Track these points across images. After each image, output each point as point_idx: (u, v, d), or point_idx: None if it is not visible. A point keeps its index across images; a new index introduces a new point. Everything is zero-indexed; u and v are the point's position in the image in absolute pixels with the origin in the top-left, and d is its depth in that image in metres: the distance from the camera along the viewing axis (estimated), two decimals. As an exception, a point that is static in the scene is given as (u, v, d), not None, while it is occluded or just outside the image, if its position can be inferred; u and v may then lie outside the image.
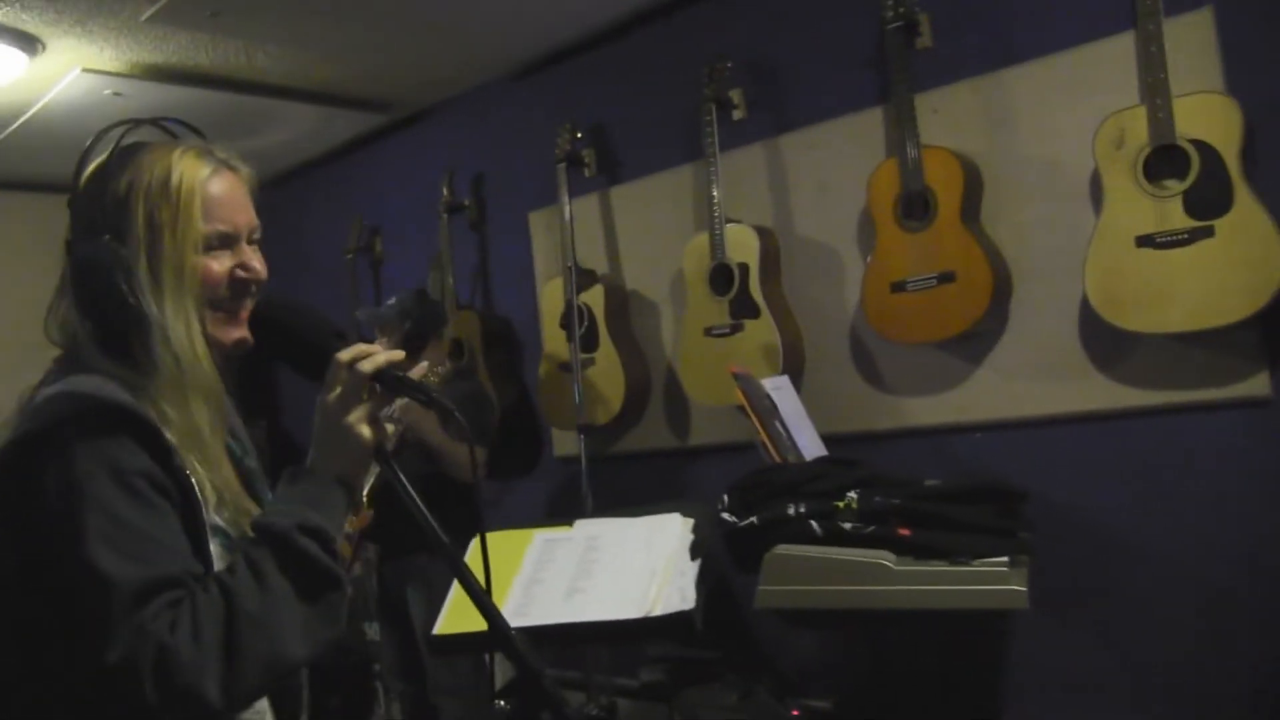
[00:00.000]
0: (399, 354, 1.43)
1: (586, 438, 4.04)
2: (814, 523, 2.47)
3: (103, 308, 1.44)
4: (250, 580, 1.32)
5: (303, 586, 1.34)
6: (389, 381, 1.41)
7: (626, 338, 4.30)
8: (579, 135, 4.38)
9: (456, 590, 2.37)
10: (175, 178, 1.46)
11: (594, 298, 4.24)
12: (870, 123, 3.61)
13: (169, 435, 1.39)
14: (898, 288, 3.34)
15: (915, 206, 3.30)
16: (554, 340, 4.38)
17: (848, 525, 2.44)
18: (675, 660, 3.60)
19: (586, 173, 4.43)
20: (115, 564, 1.27)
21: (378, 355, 1.42)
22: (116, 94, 4.45)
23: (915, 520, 2.38)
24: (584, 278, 4.25)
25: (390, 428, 1.45)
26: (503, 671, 3.98)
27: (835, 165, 3.70)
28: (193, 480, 1.39)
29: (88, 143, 1.51)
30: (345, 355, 1.42)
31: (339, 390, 1.41)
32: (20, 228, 5.82)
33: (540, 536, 2.55)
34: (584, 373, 4.17)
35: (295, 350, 1.49)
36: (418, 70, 4.75)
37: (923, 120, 3.30)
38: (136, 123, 1.54)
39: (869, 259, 3.46)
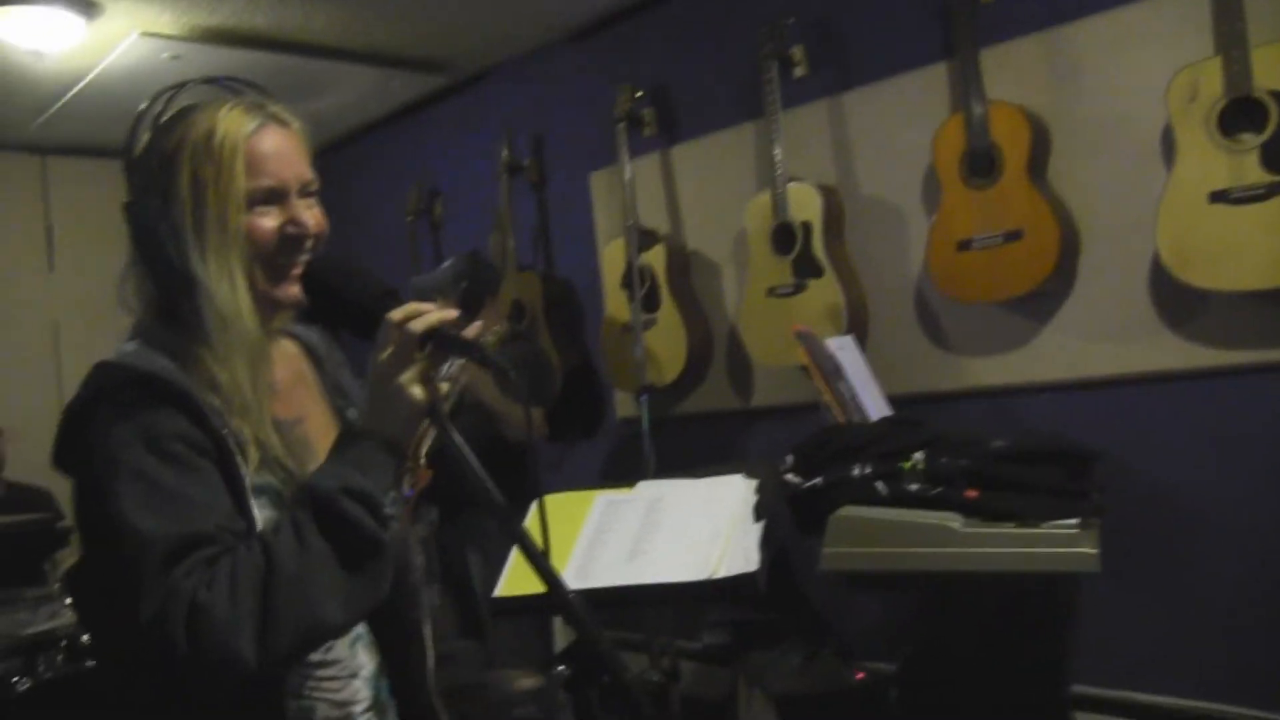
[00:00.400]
0: (451, 313, 1.40)
1: (649, 399, 4.04)
2: (879, 484, 2.46)
3: (153, 270, 1.47)
4: (292, 541, 1.33)
5: (344, 550, 1.34)
6: (442, 340, 1.39)
7: (688, 298, 4.29)
8: (639, 95, 4.37)
9: (516, 552, 2.40)
10: (219, 134, 1.46)
11: (655, 258, 4.24)
12: (934, 79, 3.57)
13: (212, 397, 1.41)
14: (963, 246, 3.31)
15: (981, 164, 3.25)
16: (615, 301, 4.39)
17: (914, 487, 2.42)
18: (738, 623, 3.61)
19: (647, 132, 4.41)
20: (147, 522, 1.30)
21: (430, 314, 1.39)
22: (174, 58, 4.49)
23: (983, 481, 2.36)
24: (645, 238, 4.25)
25: (445, 387, 1.43)
26: (564, 634, 4.02)
27: (899, 122, 3.66)
28: (230, 440, 1.40)
29: (142, 105, 1.52)
30: (397, 314, 1.39)
31: (390, 350, 1.39)
32: (81, 193, 5.94)
33: (602, 498, 2.56)
34: (645, 334, 4.17)
35: (346, 310, 1.48)
36: (476, 31, 4.74)
37: (988, 75, 3.25)
38: (186, 84, 1.54)
39: (934, 217, 3.42)
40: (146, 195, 1.47)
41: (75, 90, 4.85)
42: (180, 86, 1.53)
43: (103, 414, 1.37)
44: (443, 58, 5.08)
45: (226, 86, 1.57)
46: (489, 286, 4.08)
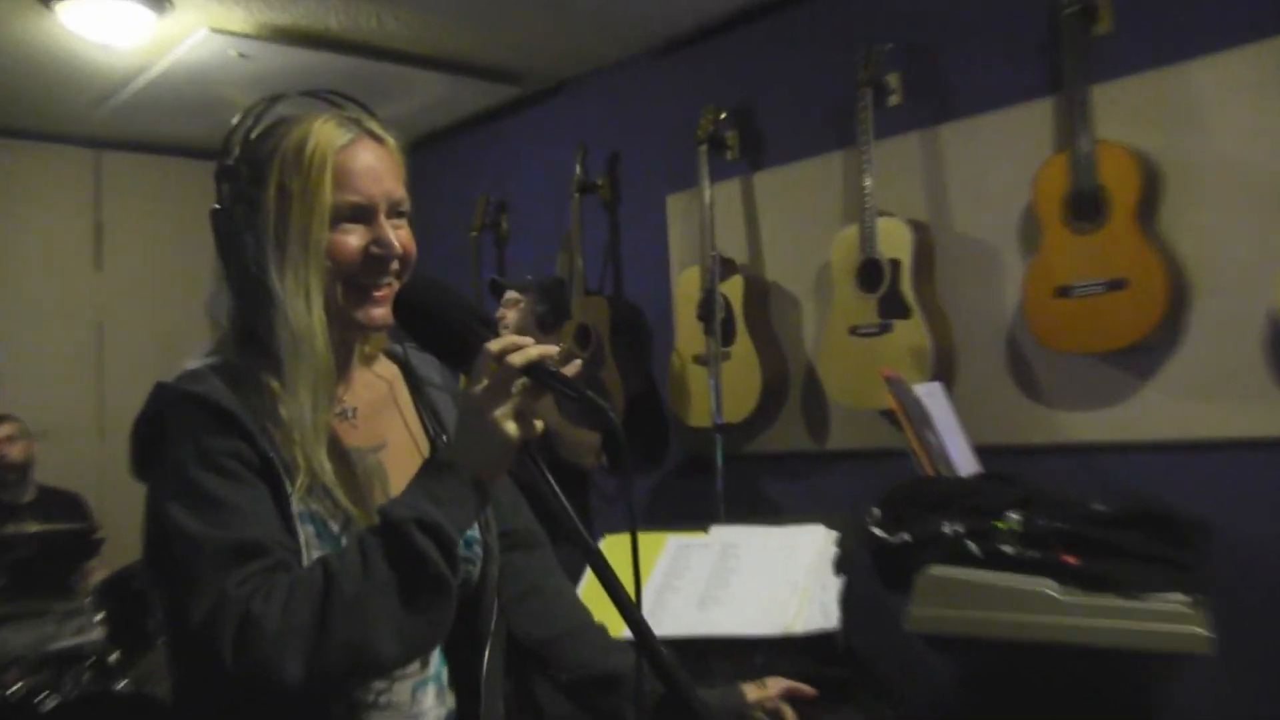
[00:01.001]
0: (552, 349, 1.40)
1: (720, 436, 4.02)
2: (971, 543, 2.42)
3: (233, 281, 1.50)
4: (356, 564, 1.34)
5: (407, 583, 1.34)
6: (541, 376, 1.38)
7: (765, 332, 4.29)
8: (723, 116, 4.37)
9: (585, 590, 2.39)
10: (310, 146, 1.48)
11: (732, 288, 4.23)
12: (1038, 115, 3.55)
13: (266, 422, 1.44)
14: (1062, 293, 3.27)
15: (1086, 206, 3.22)
16: (687, 331, 4.38)
17: (1008, 548, 2.38)
18: (805, 677, 3.56)
19: (729, 156, 4.42)
20: (198, 527, 1.35)
21: (530, 348, 1.39)
22: (242, 55, 4.56)
23: (1082, 547, 2.31)
24: (722, 267, 4.23)
25: (540, 425, 1.42)
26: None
27: (998, 158, 3.65)
28: (277, 462, 1.42)
29: (239, 114, 1.54)
30: (495, 346, 1.39)
31: (486, 383, 1.38)
32: (135, 190, 6.02)
33: (674, 541, 2.56)
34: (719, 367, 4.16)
35: (439, 337, 1.47)
36: (554, 42, 4.77)
37: (1097, 113, 3.22)
38: (285, 95, 1.56)
39: (1031, 260, 3.40)
40: (234, 203, 1.49)
41: (138, 84, 4.94)
42: (279, 97, 1.55)
43: (162, 432, 1.42)
44: (518, 67, 5.12)
45: (326, 99, 1.58)
46: (564, 316, 4.11)
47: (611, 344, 4.71)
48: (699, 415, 4.30)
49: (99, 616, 4.16)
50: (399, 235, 1.52)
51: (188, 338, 5.60)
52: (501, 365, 1.38)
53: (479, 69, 5.08)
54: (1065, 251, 3.27)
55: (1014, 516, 2.44)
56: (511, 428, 1.38)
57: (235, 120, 1.54)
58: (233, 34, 4.42)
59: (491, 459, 1.40)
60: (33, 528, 4.45)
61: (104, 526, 5.01)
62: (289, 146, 1.48)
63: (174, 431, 1.41)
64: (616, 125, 5.05)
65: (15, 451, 4.97)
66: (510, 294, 4.20)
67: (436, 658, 1.57)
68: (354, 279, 1.50)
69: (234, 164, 1.51)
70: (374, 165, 1.51)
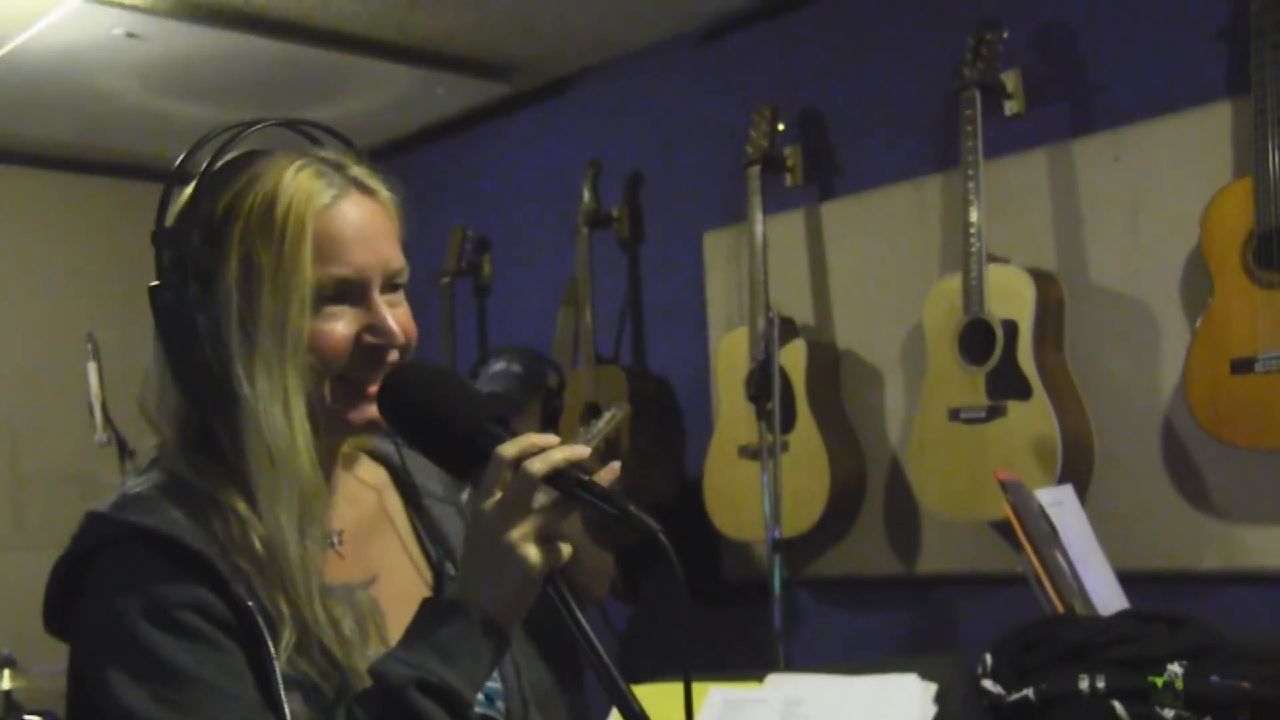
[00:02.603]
0: (582, 450, 1.42)
1: (778, 555, 4.01)
2: (1118, 705, 2.42)
3: (183, 378, 1.51)
4: None
5: None
6: (570, 487, 1.41)
7: (834, 416, 4.29)
8: (781, 127, 4.39)
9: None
10: (282, 205, 1.50)
11: (792, 357, 4.23)
12: (1211, 126, 3.56)
13: (240, 559, 1.45)
14: (1242, 367, 3.28)
15: (1278, 250, 3.22)
16: (732, 414, 4.38)
17: (1169, 714, 2.37)
18: None
19: (789, 180, 4.45)
20: (155, 713, 1.36)
21: (554, 451, 1.41)
22: (131, 35, 4.52)
23: (1274, 713, 2.31)
24: (780, 329, 4.23)
25: (567, 550, 1.45)
26: None
27: (1154, 185, 3.66)
28: (257, 615, 1.43)
29: (187, 150, 1.56)
30: (509, 449, 1.42)
31: (499, 497, 1.42)
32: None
33: (718, 694, 2.56)
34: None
35: (437, 440, 1.51)
36: (555, 26, 4.82)
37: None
38: (246, 126, 1.58)
39: (1199, 322, 3.41)
40: (181, 279, 1.50)
41: None
42: (240, 128, 1.57)
43: (97, 577, 1.44)
44: (506, 59, 5.17)
45: (301, 132, 1.62)
46: (560, 398, 4.14)
47: (631, 431, 4.68)
48: (748, 527, 4.27)
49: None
50: (397, 316, 1.56)
51: (60, 421, 5.66)
52: (518, 474, 1.40)
53: (454, 60, 5.11)
54: (1247, 311, 3.28)
55: (1177, 670, 2.44)
56: (534, 554, 1.41)
57: (182, 158, 1.56)
58: (118, 4, 4.34)
59: (510, 595, 1.43)
60: None
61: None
62: (255, 205, 1.50)
63: (115, 578, 1.42)
64: (639, 136, 5.07)
65: None
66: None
67: None
68: (343, 375, 1.53)
69: (180, 223, 1.53)
70: (366, 228, 1.55)
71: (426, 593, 1.62)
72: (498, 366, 4.25)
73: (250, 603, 1.42)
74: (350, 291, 1.52)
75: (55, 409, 5.59)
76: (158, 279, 1.53)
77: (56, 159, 5.94)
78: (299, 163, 1.54)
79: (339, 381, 1.52)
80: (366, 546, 1.64)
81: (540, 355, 4.43)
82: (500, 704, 1.62)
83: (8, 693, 4.66)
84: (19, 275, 5.94)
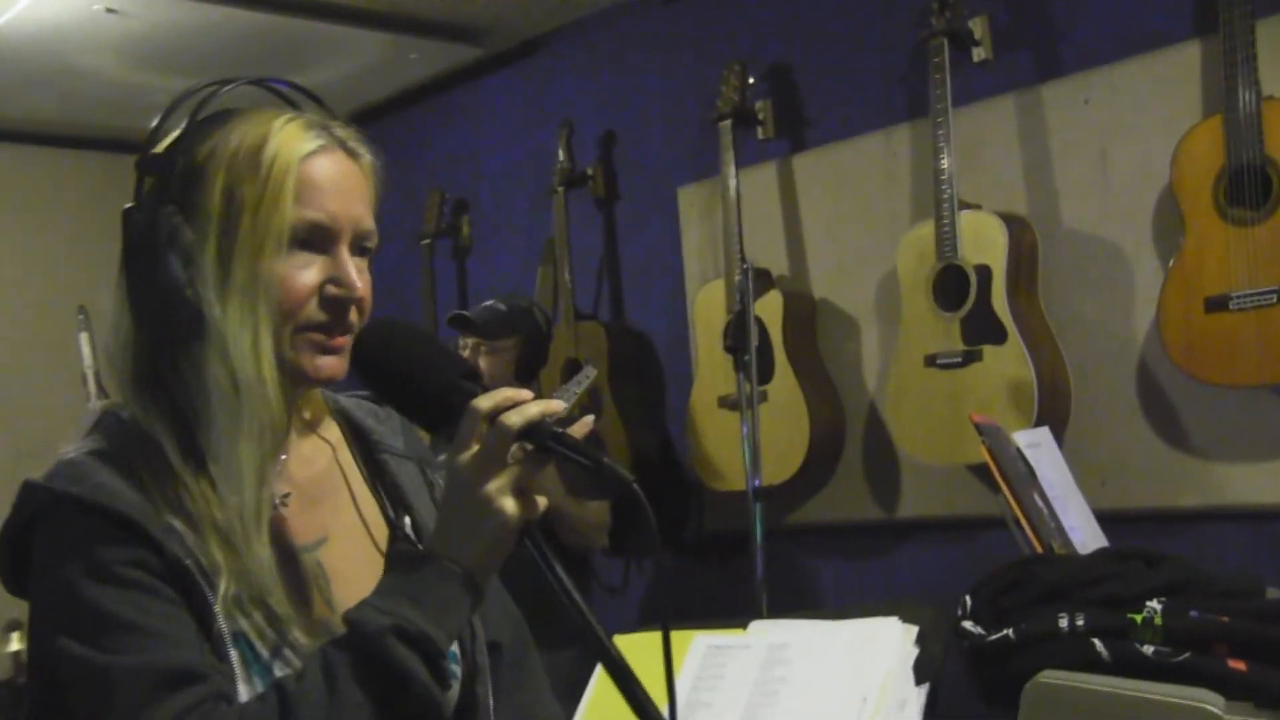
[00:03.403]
0: (557, 404, 1.43)
1: (759, 504, 4.01)
2: (1098, 642, 2.39)
3: (149, 301, 1.50)
4: (321, 690, 1.36)
5: (385, 707, 1.37)
6: (545, 440, 1.41)
7: (812, 365, 4.29)
8: (751, 80, 4.38)
9: (589, 706, 2.36)
10: (270, 149, 1.50)
11: (768, 308, 4.23)
12: (1179, 66, 3.54)
13: (163, 522, 1.44)
14: (1216, 305, 3.27)
15: (1249, 187, 3.21)
16: (711, 366, 4.39)
17: (1149, 649, 2.35)
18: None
19: (761, 133, 4.44)
20: (109, 659, 1.37)
21: (529, 405, 1.42)
22: (110, 10, 4.54)
23: (1254, 648, 2.28)
24: (756, 281, 4.22)
25: (543, 502, 1.45)
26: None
27: (1124, 126, 3.65)
28: (194, 570, 1.43)
29: (173, 99, 1.57)
30: (484, 402, 1.43)
31: (476, 450, 1.42)
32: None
33: (702, 641, 2.54)
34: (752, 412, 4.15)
35: (411, 396, 1.51)
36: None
37: (1266, 60, 3.20)
38: (235, 81, 1.58)
39: (1172, 262, 3.39)
40: (159, 205, 1.50)
41: None
42: (227, 82, 1.57)
43: (40, 545, 1.45)
44: (479, 22, 5.16)
45: (288, 94, 1.63)
46: (544, 346, 4.13)
47: (611, 385, 4.71)
48: (729, 477, 4.30)
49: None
50: (361, 278, 1.56)
51: (55, 394, 5.67)
52: (494, 427, 1.41)
53: (427, 24, 5.10)
54: (1219, 249, 3.26)
55: (1156, 606, 2.42)
56: (510, 506, 1.42)
57: (169, 106, 1.56)
58: (94, -22, 4.41)
59: (486, 547, 1.44)
60: None
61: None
62: (244, 144, 1.51)
63: (53, 544, 1.43)
64: (611, 95, 5.07)
65: None
66: (473, 339, 4.21)
67: None
68: (310, 324, 1.53)
69: (164, 153, 1.53)
70: (345, 182, 1.56)
71: (377, 555, 1.62)
72: (488, 302, 4.26)
73: (187, 561, 1.42)
74: (321, 238, 1.52)
75: (50, 381, 5.62)
76: (134, 203, 1.52)
77: (42, 135, 5.97)
78: (287, 115, 1.56)
79: (298, 332, 1.52)
80: (318, 507, 1.63)
81: (534, 305, 4.41)
82: (455, 667, 1.61)
83: (15, 653, 4.92)
84: (8, 251, 5.98)
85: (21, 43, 4.81)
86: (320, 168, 1.53)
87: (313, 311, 1.52)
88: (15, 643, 4.96)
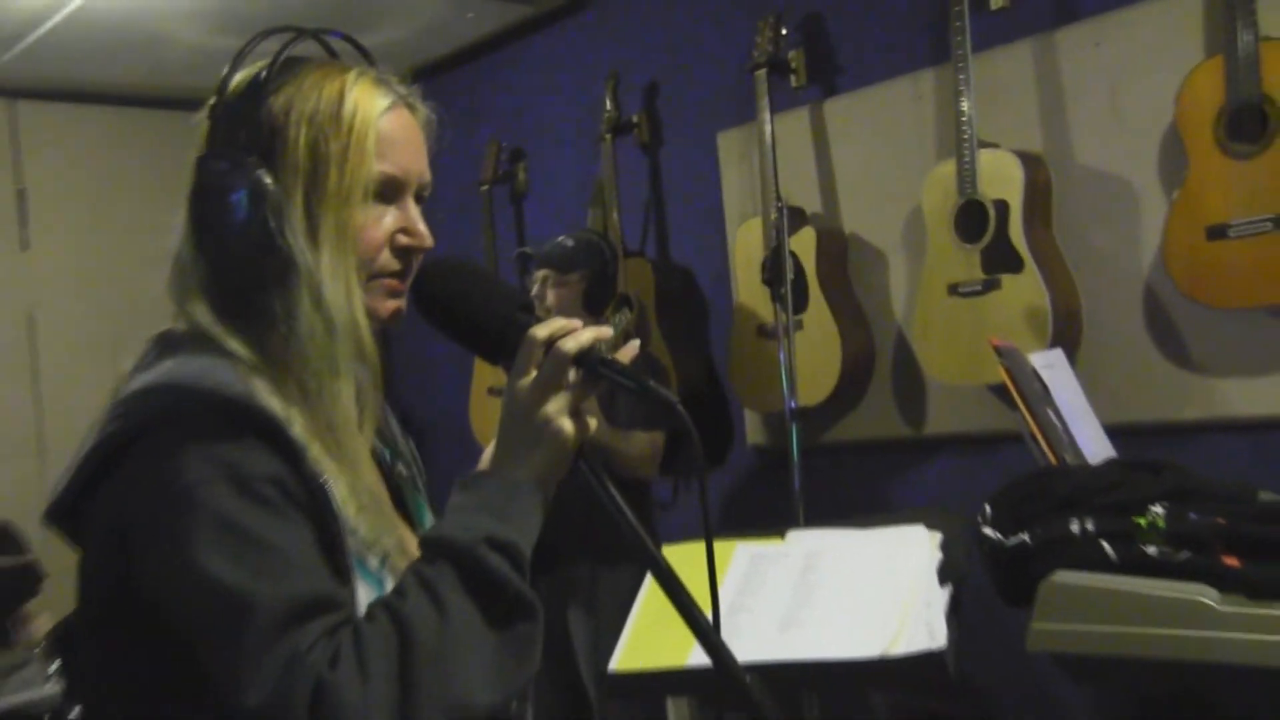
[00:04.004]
0: (606, 330, 1.44)
1: (796, 424, 4.04)
2: (1106, 544, 2.42)
3: (236, 246, 1.46)
4: (427, 606, 1.34)
5: (491, 614, 1.36)
6: (595, 366, 1.42)
7: (844, 296, 4.30)
8: (784, 31, 4.35)
9: (640, 613, 2.41)
10: (349, 105, 1.50)
11: (802, 244, 4.24)
12: (1186, 10, 3.52)
13: (298, 432, 1.42)
14: (1216, 233, 3.26)
15: (1247, 123, 3.20)
16: (750, 298, 4.40)
17: (1152, 550, 2.38)
18: (907, 713, 3.58)
19: (794, 81, 4.41)
20: (248, 583, 1.31)
21: (582, 332, 1.43)
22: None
23: (1247, 546, 2.31)
24: (790, 218, 4.23)
25: (594, 423, 1.46)
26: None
27: (1133, 68, 3.63)
28: (328, 488, 1.41)
29: (240, 48, 1.55)
30: (541, 331, 1.43)
31: (534, 375, 1.43)
32: (59, 147, 5.96)
33: (744, 550, 2.58)
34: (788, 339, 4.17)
35: (472, 330, 1.51)
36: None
37: (1265, 3, 3.18)
38: (302, 32, 1.57)
39: (1176, 194, 3.38)
40: (238, 152, 1.48)
41: (56, 19, 4.95)
42: (298, 33, 1.56)
43: (165, 443, 1.37)
44: (531, -20, 5.13)
45: (349, 49, 1.62)
46: (612, 279, 4.15)
47: (658, 317, 4.71)
48: (768, 400, 4.31)
49: (51, 668, 4.19)
50: (423, 223, 1.58)
51: (133, 332, 5.61)
52: (551, 354, 1.42)
53: (484, -16, 5.08)
54: (1220, 181, 3.26)
55: (1159, 511, 2.44)
56: (568, 426, 1.43)
57: (236, 55, 1.55)
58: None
59: (546, 465, 1.44)
60: None
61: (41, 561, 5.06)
62: (322, 100, 1.51)
63: (191, 442, 1.36)
64: (654, 47, 5.05)
65: None
66: (543, 272, 4.26)
67: None
68: (382, 270, 1.54)
69: (241, 105, 1.51)
70: (412, 137, 1.57)
71: (383, 490, 1.61)
72: (558, 238, 4.31)
73: (322, 479, 1.40)
74: (393, 190, 1.54)
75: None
76: (206, 151, 1.51)
77: (129, 97, 5.96)
78: (357, 70, 1.56)
79: (372, 279, 1.53)
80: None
81: (602, 239, 4.44)
82: None
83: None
84: (103, 204, 5.98)
85: (103, 12, 4.85)
86: (393, 124, 1.53)
87: (387, 260, 1.53)
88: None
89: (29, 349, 5.90)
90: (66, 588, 1.51)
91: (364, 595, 1.41)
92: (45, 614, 5.09)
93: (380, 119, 1.52)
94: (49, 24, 4.99)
